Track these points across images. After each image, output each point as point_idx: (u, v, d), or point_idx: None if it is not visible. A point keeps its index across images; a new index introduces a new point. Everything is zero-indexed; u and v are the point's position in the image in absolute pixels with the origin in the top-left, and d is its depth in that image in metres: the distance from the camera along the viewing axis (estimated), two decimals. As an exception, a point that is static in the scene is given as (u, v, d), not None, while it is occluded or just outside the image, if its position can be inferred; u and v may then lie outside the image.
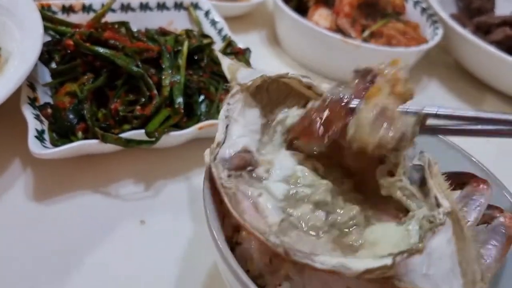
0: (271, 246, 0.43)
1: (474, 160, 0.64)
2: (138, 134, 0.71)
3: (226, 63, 0.61)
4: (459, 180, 0.59)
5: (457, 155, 0.65)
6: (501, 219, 0.55)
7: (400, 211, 0.52)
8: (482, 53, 1.10)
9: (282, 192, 0.50)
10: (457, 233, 0.45)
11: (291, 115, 0.56)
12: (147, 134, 0.71)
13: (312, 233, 0.47)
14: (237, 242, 0.49)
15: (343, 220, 0.49)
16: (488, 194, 0.56)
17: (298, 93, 0.58)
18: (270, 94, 0.58)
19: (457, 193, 0.58)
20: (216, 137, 0.51)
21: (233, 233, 0.50)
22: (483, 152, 0.67)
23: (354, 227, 0.49)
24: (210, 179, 0.49)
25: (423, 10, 1.22)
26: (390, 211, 0.53)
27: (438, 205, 0.48)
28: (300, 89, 0.57)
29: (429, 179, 0.50)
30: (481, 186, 0.56)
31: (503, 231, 0.54)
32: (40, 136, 0.69)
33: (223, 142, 0.51)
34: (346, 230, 0.49)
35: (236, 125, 0.53)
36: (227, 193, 0.47)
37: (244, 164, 0.51)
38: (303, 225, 0.48)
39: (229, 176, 0.49)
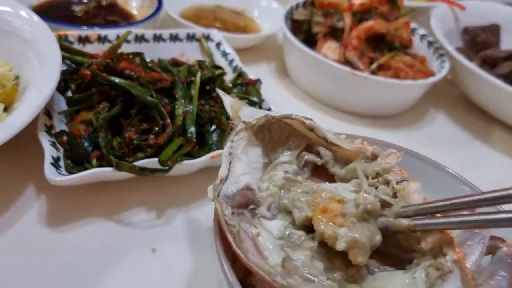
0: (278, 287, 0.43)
1: (472, 185, 0.65)
2: (152, 162, 0.72)
3: (228, 100, 0.62)
4: None
5: (455, 182, 0.67)
6: (505, 249, 0.55)
7: (403, 259, 0.53)
8: (489, 86, 1.11)
9: (280, 233, 0.50)
10: (464, 281, 0.45)
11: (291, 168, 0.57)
12: (160, 162, 0.72)
13: (314, 278, 0.47)
14: (250, 284, 0.49)
15: (340, 277, 0.48)
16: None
17: (299, 134, 0.59)
18: (272, 134, 0.58)
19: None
20: (219, 173, 0.51)
21: (245, 275, 0.50)
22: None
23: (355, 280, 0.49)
24: (218, 218, 0.49)
25: (430, 43, 1.24)
26: (393, 260, 0.53)
27: (443, 253, 0.49)
28: (302, 130, 0.58)
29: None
30: None
31: (509, 261, 0.54)
32: (55, 163, 0.70)
33: (226, 179, 0.51)
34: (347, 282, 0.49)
35: (239, 163, 0.53)
36: (231, 231, 0.47)
37: (247, 202, 0.51)
38: (304, 270, 0.47)
39: (232, 213, 0.49)
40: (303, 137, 0.59)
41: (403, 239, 0.53)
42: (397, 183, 0.55)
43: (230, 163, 0.52)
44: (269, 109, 0.92)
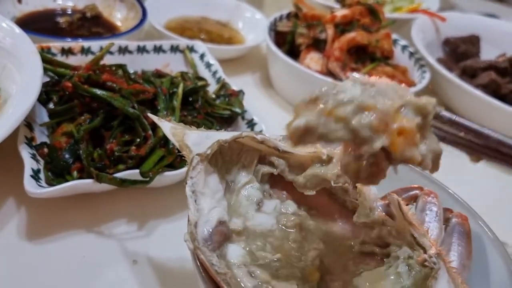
0: None
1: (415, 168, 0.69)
2: (133, 174, 0.73)
3: (167, 127, 0.57)
4: (409, 195, 0.64)
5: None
6: (455, 219, 0.61)
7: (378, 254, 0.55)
8: (468, 96, 1.13)
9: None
10: (449, 273, 0.48)
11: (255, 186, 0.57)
12: (142, 174, 0.72)
13: None
14: None
15: None
16: (439, 202, 0.61)
17: (250, 148, 0.58)
18: (223, 155, 0.56)
19: (412, 207, 0.63)
20: (189, 217, 0.49)
21: None
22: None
23: None
24: (201, 263, 0.48)
25: (411, 54, 1.26)
26: (370, 256, 0.55)
27: (418, 243, 0.51)
28: (252, 144, 0.57)
29: (401, 218, 0.53)
30: (430, 197, 0.62)
31: (461, 229, 0.59)
32: (35, 175, 0.70)
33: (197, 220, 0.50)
34: None
35: (204, 198, 0.51)
36: (225, 280, 0.46)
37: (224, 238, 0.51)
38: None
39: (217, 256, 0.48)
40: (253, 151, 0.58)
41: (376, 233, 0.55)
42: None
43: (195, 201, 0.51)
44: (251, 120, 0.93)
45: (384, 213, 0.55)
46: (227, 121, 0.95)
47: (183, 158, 0.80)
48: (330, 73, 1.13)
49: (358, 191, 0.55)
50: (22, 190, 0.66)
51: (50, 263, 0.67)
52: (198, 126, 0.86)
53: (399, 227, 0.54)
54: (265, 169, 0.59)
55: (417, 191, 0.63)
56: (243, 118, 0.95)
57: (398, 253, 0.52)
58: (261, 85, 1.26)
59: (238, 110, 0.93)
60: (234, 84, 1.02)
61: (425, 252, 0.50)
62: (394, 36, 1.27)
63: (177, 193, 0.80)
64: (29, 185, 0.67)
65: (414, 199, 0.63)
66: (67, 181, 0.71)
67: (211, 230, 0.50)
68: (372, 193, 0.55)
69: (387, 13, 1.39)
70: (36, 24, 1.17)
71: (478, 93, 1.11)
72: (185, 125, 0.59)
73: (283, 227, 0.56)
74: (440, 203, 0.61)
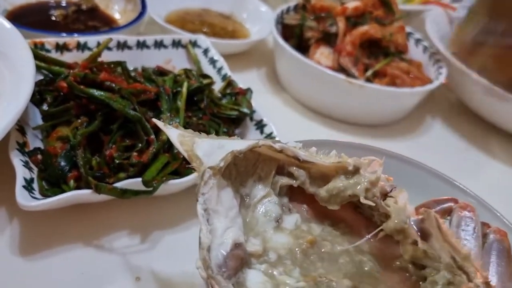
0: None
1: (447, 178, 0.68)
2: (135, 183, 0.67)
3: (174, 134, 0.51)
4: (443, 208, 0.58)
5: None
6: (492, 235, 0.55)
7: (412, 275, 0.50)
8: (486, 93, 1.07)
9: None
10: None
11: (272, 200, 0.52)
12: (144, 183, 0.66)
13: None
14: None
15: None
16: (476, 217, 0.55)
17: (266, 158, 0.53)
18: (238, 166, 0.51)
19: (446, 222, 0.57)
20: (201, 240, 0.44)
21: None
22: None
23: None
24: None
25: (425, 48, 1.20)
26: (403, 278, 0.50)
27: (460, 267, 0.46)
28: (269, 154, 0.52)
29: (439, 237, 0.48)
30: (467, 211, 0.56)
31: (501, 247, 0.54)
32: (28, 185, 0.64)
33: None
34: None
35: (218, 217, 0.46)
36: None
37: (241, 264, 0.45)
38: None
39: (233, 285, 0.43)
40: (271, 160, 0.53)
41: (410, 254, 0.50)
42: (388, 194, 0.51)
43: (207, 221, 0.45)
44: (260, 121, 0.87)
45: (417, 231, 0.50)
46: (235, 122, 0.89)
47: (189, 163, 0.75)
48: (341, 69, 1.07)
49: (395, 201, 0.49)
50: (14, 200, 0.60)
51: (46, 281, 0.62)
52: (204, 127, 0.81)
53: (436, 247, 0.48)
54: (284, 180, 0.53)
55: (451, 204, 0.57)
56: (251, 119, 0.89)
57: (436, 278, 0.47)
58: (267, 82, 1.20)
59: (246, 110, 0.87)
60: (239, 80, 0.96)
61: (468, 278, 0.45)
62: (407, 29, 1.21)
63: (183, 201, 0.75)
64: (21, 197, 0.61)
65: (448, 212, 0.57)
66: (63, 191, 0.65)
67: (225, 254, 0.44)
68: (408, 206, 0.49)
69: (399, 5, 1.32)
70: (28, 18, 1.10)
71: (498, 90, 1.05)
72: (194, 131, 0.52)
73: (306, 247, 0.50)
74: (477, 217, 0.55)
